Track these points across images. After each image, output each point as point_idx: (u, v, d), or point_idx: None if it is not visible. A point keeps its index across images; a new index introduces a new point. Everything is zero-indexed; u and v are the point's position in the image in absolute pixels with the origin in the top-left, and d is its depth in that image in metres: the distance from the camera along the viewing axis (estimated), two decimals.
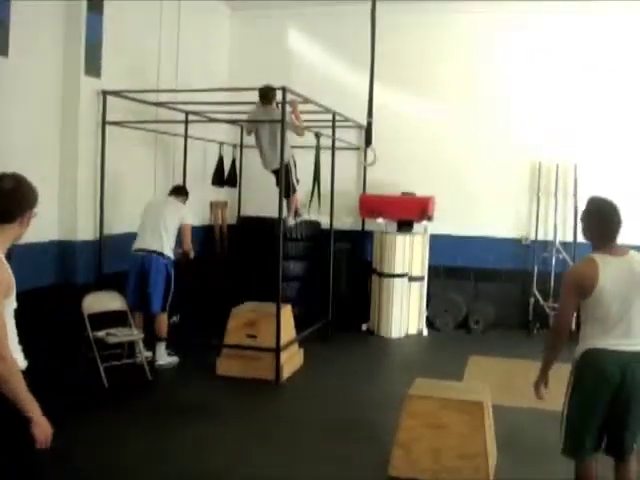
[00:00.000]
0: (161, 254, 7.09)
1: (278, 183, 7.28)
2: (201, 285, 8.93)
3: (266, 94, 7.25)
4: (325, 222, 9.40)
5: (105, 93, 7.15)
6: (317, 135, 8.64)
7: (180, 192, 7.61)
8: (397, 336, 9.06)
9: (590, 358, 3.70)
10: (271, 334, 6.85)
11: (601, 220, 3.76)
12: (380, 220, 9.35)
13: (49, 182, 6.80)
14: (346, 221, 10.08)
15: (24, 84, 6.43)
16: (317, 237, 9.69)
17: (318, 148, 8.60)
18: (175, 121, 8.39)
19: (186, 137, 8.67)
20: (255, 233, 9.45)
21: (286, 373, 6.97)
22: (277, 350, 6.80)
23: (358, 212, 9.75)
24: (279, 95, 6.87)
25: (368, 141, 9.19)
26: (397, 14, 9.56)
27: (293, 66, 10.11)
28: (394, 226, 9.50)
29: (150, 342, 7.12)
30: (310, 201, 8.91)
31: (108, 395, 6.24)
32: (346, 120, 9.02)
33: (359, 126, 9.65)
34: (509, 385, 6.79)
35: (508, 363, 7.76)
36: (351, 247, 9.94)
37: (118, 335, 6.66)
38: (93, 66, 7.01)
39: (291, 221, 8.18)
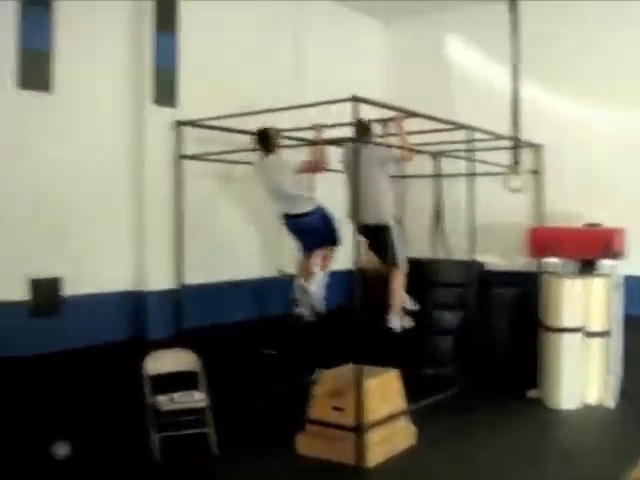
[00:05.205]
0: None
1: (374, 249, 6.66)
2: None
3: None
4: (492, 262, 7.83)
5: (180, 123, 6.35)
6: (436, 156, 7.09)
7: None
8: (568, 407, 7.02)
9: None
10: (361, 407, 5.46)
11: None
12: (553, 259, 7.50)
13: (117, 227, 6.20)
14: (517, 261, 8.30)
15: (77, 120, 5.91)
16: (478, 281, 8.03)
17: (440, 174, 7.07)
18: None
19: None
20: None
21: (379, 457, 5.47)
22: (358, 428, 5.37)
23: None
24: (344, 107, 5.48)
25: (516, 161, 7.42)
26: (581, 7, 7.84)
27: (451, 79, 8.73)
28: (575, 267, 7.55)
29: None
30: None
31: (159, 471, 5.32)
32: (498, 137, 7.34)
33: (531, 145, 7.95)
34: None
35: None
36: (520, 293, 8.12)
37: (178, 401, 5.70)
38: (165, 94, 6.25)
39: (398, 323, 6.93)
